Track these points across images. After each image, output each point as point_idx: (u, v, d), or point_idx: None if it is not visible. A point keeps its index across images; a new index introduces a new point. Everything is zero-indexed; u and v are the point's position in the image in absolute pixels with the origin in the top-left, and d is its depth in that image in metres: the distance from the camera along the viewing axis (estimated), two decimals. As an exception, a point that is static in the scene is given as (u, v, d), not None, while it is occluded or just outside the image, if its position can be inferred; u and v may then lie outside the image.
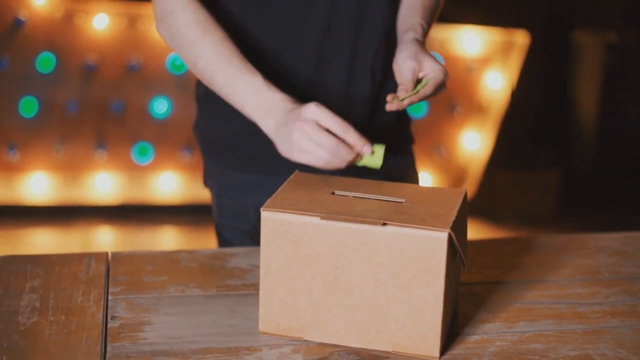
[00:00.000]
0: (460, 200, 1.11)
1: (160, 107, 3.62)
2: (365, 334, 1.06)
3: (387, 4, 1.38)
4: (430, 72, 1.27)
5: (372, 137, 1.43)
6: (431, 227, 1.02)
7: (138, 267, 1.30)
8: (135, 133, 3.64)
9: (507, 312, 1.18)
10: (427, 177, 3.84)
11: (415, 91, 1.26)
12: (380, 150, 1.18)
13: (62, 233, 3.63)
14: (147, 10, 3.50)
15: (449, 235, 1.01)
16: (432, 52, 1.30)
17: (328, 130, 1.15)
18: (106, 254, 1.33)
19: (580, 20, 4.16)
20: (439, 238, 1.01)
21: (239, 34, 1.34)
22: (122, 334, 1.09)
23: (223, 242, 1.50)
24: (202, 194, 1.55)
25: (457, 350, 1.08)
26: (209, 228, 1.62)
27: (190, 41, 1.29)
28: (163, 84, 3.60)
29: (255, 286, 1.23)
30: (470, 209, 1.31)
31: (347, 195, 1.13)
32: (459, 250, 1.06)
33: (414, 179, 1.55)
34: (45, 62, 3.48)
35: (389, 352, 1.06)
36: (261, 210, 1.07)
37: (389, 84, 1.39)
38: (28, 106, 3.52)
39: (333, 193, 1.13)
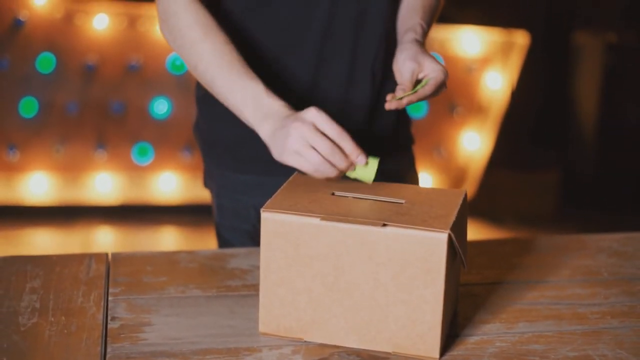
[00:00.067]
0: (460, 201, 1.12)
1: (161, 107, 3.62)
2: (365, 335, 1.06)
3: (388, 4, 1.38)
4: (431, 72, 1.27)
5: (372, 138, 1.44)
6: (431, 228, 1.02)
7: (138, 267, 1.30)
8: (135, 133, 3.64)
9: (506, 313, 1.18)
10: (427, 178, 3.84)
11: (413, 91, 1.26)
12: (374, 163, 1.15)
13: (62, 233, 3.63)
14: (147, 10, 3.50)
15: (449, 236, 1.01)
16: (432, 53, 1.30)
17: (325, 135, 1.14)
18: (106, 254, 1.33)
19: (580, 21, 4.16)
20: (439, 239, 1.01)
21: (239, 34, 1.34)
22: (122, 335, 1.09)
23: (223, 242, 1.50)
24: (202, 194, 1.55)
25: (457, 351, 1.08)
26: (209, 228, 1.62)
27: (191, 43, 1.29)
28: (163, 84, 3.60)
29: (256, 287, 1.23)
30: (470, 209, 1.31)
31: (347, 196, 1.13)
32: (458, 251, 1.06)
33: (414, 180, 1.55)
34: (46, 62, 3.48)
35: (389, 353, 1.06)
36: (261, 211, 1.07)
37: (389, 84, 1.39)
38: (28, 106, 3.52)
39: (333, 194, 1.13)
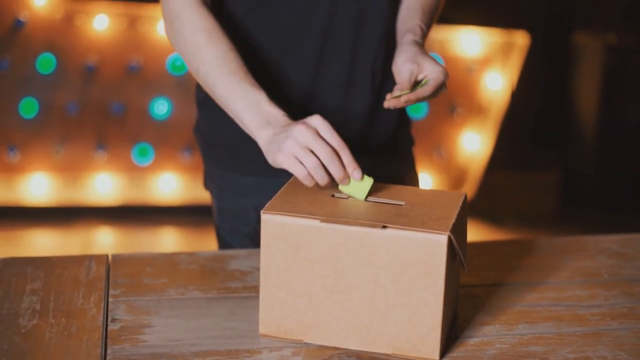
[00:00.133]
0: (460, 203, 1.12)
1: (161, 108, 3.62)
2: (365, 337, 1.07)
3: (388, 4, 1.38)
4: (430, 73, 1.27)
5: (372, 138, 1.44)
6: (431, 230, 1.02)
7: (138, 269, 1.30)
8: (135, 134, 3.64)
9: (506, 315, 1.19)
10: (427, 178, 3.84)
11: (412, 90, 1.26)
12: (369, 182, 1.13)
13: (63, 234, 3.63)
14: (147, 11, 3.50)
15: (449, 238, 1.01)
16: (432, 53, 1.30)
17: (326, 142, 1.13)
18: (106, 256, 1.33)
19: (580, 22, 4.16)
20: (439, 241, 1.01)
21: (240, 35, 1.34)
22: (122, 337, 1.09)
23: (223, 244, 1.50)
24: (202, 195, 1.56)
25: (457, 352, 1.08)
26: (209, 229, 1.62)
27: (195, 47, 1.28)
28: (163, 84, 3.60)
29: (256, 288, 1.23)
30: (470, 209, 1.32)
31: (347, 198, 1.13)
32: (458, 253, 1.06)
33: (414, 181, 1.55)
34: (46, 63, 3.48)
35: (389, 355, 1.06)
36: (261, 213, 1.07)
37: (389, 84, 1.39)
38: (28, 107, 3.52)
39: (333, 196, 1.13)
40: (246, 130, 1.24)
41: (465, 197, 1.15)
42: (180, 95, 3.60)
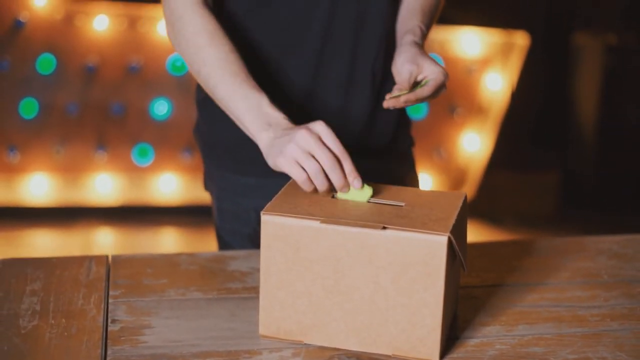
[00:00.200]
0: (460, 204, 1.12)
1: (161, 108, 3.62)
2: (365, 338, 1.07)
3: (388, 4, 1.38)
4: (430, 74, 1.27)
5: (372, 139, 1.44)
6: (431, 230, 1.02)
7: (138, 270, 1.30)
8: (135, 134, 3.64)
9: (506, 315, 1.19)
10: (427, 179, 3.84)
11: (411, 89, 1.26)
12: (368, 191, 1.13)
13: (63, 234, 3.63)
14: (147, 11, 3.50)
15: (449, 239, 1.02)
16: (431, 54, 1.30)
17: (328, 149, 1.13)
18: (106, 257, 1.33)
19: (580, 22, 4.16)
20: (439, 242, 1.02)
21: (240, 35, 1.34)
22: (122, 338, 1.09)
23: (223, 245, 1.50)
24: (203, 196, 1.56)
25: (457, 353, 1.08)
26: (210, 229, 1.62)
27: (196, 49, 1.28)
28: (163, 85, 3.60)
29: (256, 289, 1.23)
30: (470, 210, 1.32)
31: (347, 199, 1.13)
32: (458, 254, 1.06)
33: (414, 182, 1.55)
34: (46, 63, 3.48)
35: (389, 356, 1.06)
36: (261, 214, 1.07)
37: (389, 84, 1.39)
38: (28, 107, 3.52)
39: (333, 197, 1.13)
40: (247, 132, 1.24)
41: (465, 198, 1.15)
42: (180, 95, 3.60)
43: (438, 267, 1.02)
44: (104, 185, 3.68)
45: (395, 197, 1.14)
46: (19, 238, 3.58)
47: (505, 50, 3.78)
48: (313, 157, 1.11)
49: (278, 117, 1.20)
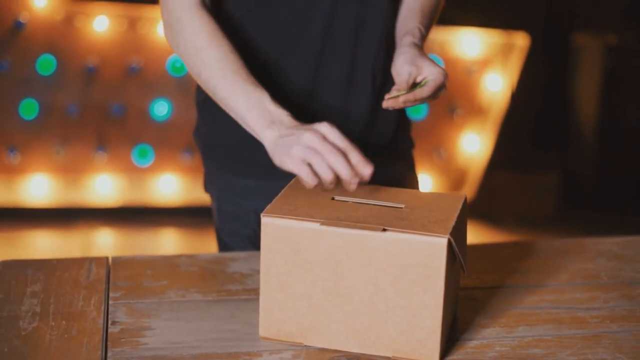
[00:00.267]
0: (459, 206, 1.12)
1: (161, 109, 3.63)
2: (365, 340, 1.07)
3: (388, 4, 1.38)
4: (430, 75, 1.27)
5: (372, 139, 1.44)
6: (431, 232, 1.02)
7: (138, 271, 1.30)
8: (135, 135, 3.64)
9: (506, 317, 1.19)
10: (427, 179, 3.84)
11: (410, 90, 1.26)
12: None
13: (63, 235, 3.63)
14: (147, 12, 3.51)
15: (449, 240, 1.02)
16: (432, 54, 1.30)
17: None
18: (106, 258, 1.33)
19: (580, 22, 4.17)
20: (439, 244, 1.02)
21: (239, 36, 1.34)
22: (122, 339, 1.09)
23: (223, 247, 1.50)
24: (203, 196, 1.56)
25: (457, 355, 1.08)
26: (210, 230, 1.62)
27: (196, 50, 1.28)
28: (163, 86, 3.61)
29: (256, 291, 1.24)
30: (470, 211, 1.32)
31: (347, 201, 1.13)
32: (458, 256, 1.06)
33: (414, 184, 1.55)
34: (46, 64, 3.48)
35: (389, 358, 1.06)
36: (261, 216, 1.07)
37: (389, 85, 1.39)
38: (28, 108, 3.52)
39: (333, 199, 1.14)
40: (250, 131, 1.24)
41: (465, 199, 1.15)
42: (181, 96, 3.60)
43: (438, 269, 1.02)
44: (104, 186, 3.68)
45: (395, 198, 1.14)
46: (19, 239, 3.58)
47: (505, 51, 3.79)
48: (319, 154, 1.11)
49: (281, 114, 1.20)
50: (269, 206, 1.09)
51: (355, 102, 1.41)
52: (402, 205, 1.11)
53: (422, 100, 1.27)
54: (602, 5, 4.17)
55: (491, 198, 3.92)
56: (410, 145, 1.55)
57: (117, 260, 1.33)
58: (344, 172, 1.11)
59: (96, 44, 3.50)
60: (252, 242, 1.44)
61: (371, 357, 1.07)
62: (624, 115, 4.06)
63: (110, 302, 1.20)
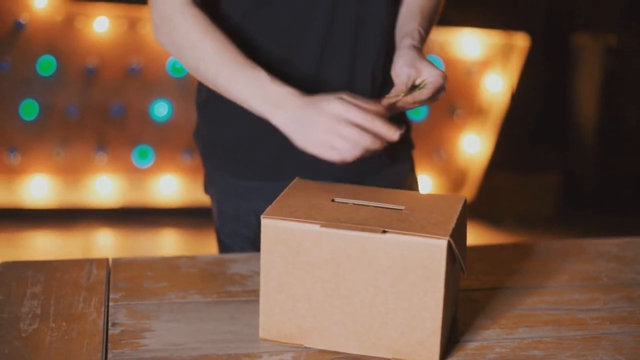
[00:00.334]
0: (459, 207, 1.12)
1: (161, 110, 3.63)
2: (365, 341, 1.07)
3: (388, 4, 1.38)
4: (429, 77, 1.27)
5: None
6: (431, 234, 1.02)
7: (138, 273, 1.30)
8: (135, 136, 3.65)
9: (506, 319, 1.19)
10: (427, 180, 3.85)
11: (409, 92, 1.26)
12: None
13: (63, 236, 3.63)
14: (147, 13, 3.48)
15: (449, 242, 1.02)
16: (432, 55, 1.31)
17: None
18: (107, 260, 1.33)
19: (580, 23, 4.17)
20: (439, 245, 1.02)
21: (238, 37, 1.34)
22: (122, 341, 1.09)
23: (223, 248, 1.50)
24: (203, 197, 1.56)
25: (457, 357, 1.08)
26: (210, 231, 1.63)
27: (191, 45, 1.29)
28: (163, 86, 3.61)
29: (256, 292, 1.24)
30: (470, 211, 1.32)
31: (347, 203, 1.13)
32: (458, 257, 1.06)
33: (414, 185, 1.55)
34: (46, 65, 3.48)
35: (389, 359, 1.06)
36: (261, 218, 1.07)
37: (389, 86, 1.39)
38: (29, 109, 3.52)
39: (333, 200, 1.14)
40: (258, 114, 1.27)
41: (465, 201, 1.15)
42: (181, 97, 3.60)
43: (438, 270, 1.02)
44: (104, 187, 3.68)
45: (395, 200, 1.14)
46: (19, 239, 3.58)
47: (505, 52, 3.79)
48: (341, 137, 1.17)
49: (285, 93, 1.24)
50: (269, 208, 1.09)
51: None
52: (402, 207, 1.11)
53: (421, 103, 1.27)
54: (602, 5, 4.17)
55: (491, 199, 3.92)
56: (410, 146, 1.55)
57: (118, 262, 1.33)
58: (372, 146, 1.16)
59: (96, 45, 3.51)
60: (252, 243, 1.44)
61: (371, 359, 1.07)
62: (624, 116, 4.06)
63: (111, 303, 1.20)
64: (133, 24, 3.51)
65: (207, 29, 1.29)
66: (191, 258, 1.36)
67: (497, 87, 3.80)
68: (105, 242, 3.67)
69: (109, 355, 1.06)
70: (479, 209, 3.73)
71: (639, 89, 4.05)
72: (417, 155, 1.58)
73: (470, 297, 1.25)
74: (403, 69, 1.27)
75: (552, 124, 4.23)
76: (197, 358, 1.06)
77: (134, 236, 3.67)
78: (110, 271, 1.30)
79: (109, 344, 1.08)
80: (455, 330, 1.15)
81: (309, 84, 1.38)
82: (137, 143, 3.66)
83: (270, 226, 1.07)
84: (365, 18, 1.37)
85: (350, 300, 1.06)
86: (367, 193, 1.16)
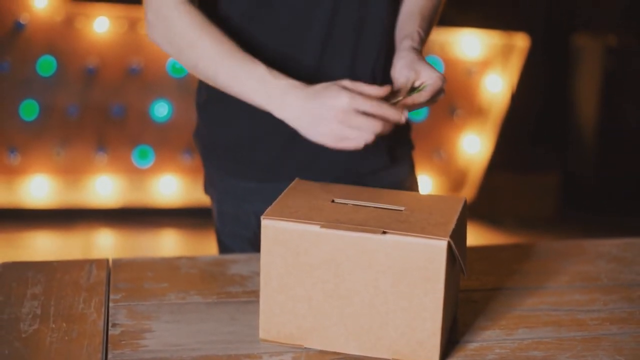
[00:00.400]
0: (459, 208, 1.12)
1: (161, 110, 3.63)
2: (365, 342, 1.07)
3: (388, 5, 1.38)
4: (428, 79, 1.27)
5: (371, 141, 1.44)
6: (431, 235, 1.02)
7: (139, 273, 1.30)
8: (135, 136, 3.65)
9: (506, 319, 1.19)
10: (427, 180, 3.85)
11: (408, 94, 1.26)
12: None
13: (63, 236, 3.63)
14: (147, 13, 3.50)
15: (449, 243, 1.02)
16: (432, 56, 1.31)
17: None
18: (107, 260, 1.33)
19: (580, 23, 4.17)
20: (439, 246, 1.02)
21: (238, 37, 1.34)
22: (122, 342, 1.09)
23: (224, 248, 1.50)
24: (203, 197, 1.56)
25: (457, 357, 1.08)
26: (210, 231, 1.63)
27: (189, 43, 1.29)
28: (164, 87, 3.61)
29: (256, 293, 1.24)
30: (470, 212, 1.32)
31: (347, 204, 1.13)
32: (458, 258, 1.06)
33: (414, 186, 1.55)
34: (46, 65, 3.48)
35: (389, 360, 1.07)
36: (261, 219, 1.07)
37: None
38: (29, 109, 3.52)
39: (333, 201, 1.14)
40: (262, 109, 1.28)
41: (465, 202, 1.16)
42: (181, 97, 3.60)
43: (438, 271, 1.02)
44: (104, 187, 3.68)
45: (395, 201, 1.14)
46: (19, 240, 3.58)
47: (505, 52, 3.79)
48: (350, 127, 1.20)
49: (284, 85, 1.25)
50: (269, 209, 1.09)
51: (355, 104, 1.41)
52: (402, 208, 1.11)
53: (420, 105, 1.27)
54: (602, 6, 4.17)
55: (491, 199, 3.92)
56: (410, 147, 1.55)
57: (118, 263, 1.33)
58: (382, 130, 1.20)
59: (96, 45, 3.51)
60: (252, 243, 1.44)
61: (371, 359, 1.07)
62: (624, 116, 4.06)
63: (111, 304, 1.20)
64: (133, 24, 3.51)
65: (203, 27, 1.29)
66: (191, 259, 1.36)
67: (497, 87, 3.80)
68: (105, 243, 3.67)
69: (109, 356, 1.06)
70: (479, 209, 3.73)
71: (639, 90, 4.05)
72: (417, 155, 1.58)
73: (470, 297, 1.25)
74: (402, 71, 1.28)
75: (552, 124, 4.23)
76: (197, 359, 1.06)
77: (134, 236, 3.67)
78: (111, 272, 1.30)
79: (109, 345, 1.09)
80: (455, 330, 1.15)
81: (309, 83, 1.38)
82: (137, 143, 3.66)
83: (270, 227, 1.07)
84: (366, 18, 1.37)
85: (350, 300, 1.06)
86: (367, 194, 1.17)
